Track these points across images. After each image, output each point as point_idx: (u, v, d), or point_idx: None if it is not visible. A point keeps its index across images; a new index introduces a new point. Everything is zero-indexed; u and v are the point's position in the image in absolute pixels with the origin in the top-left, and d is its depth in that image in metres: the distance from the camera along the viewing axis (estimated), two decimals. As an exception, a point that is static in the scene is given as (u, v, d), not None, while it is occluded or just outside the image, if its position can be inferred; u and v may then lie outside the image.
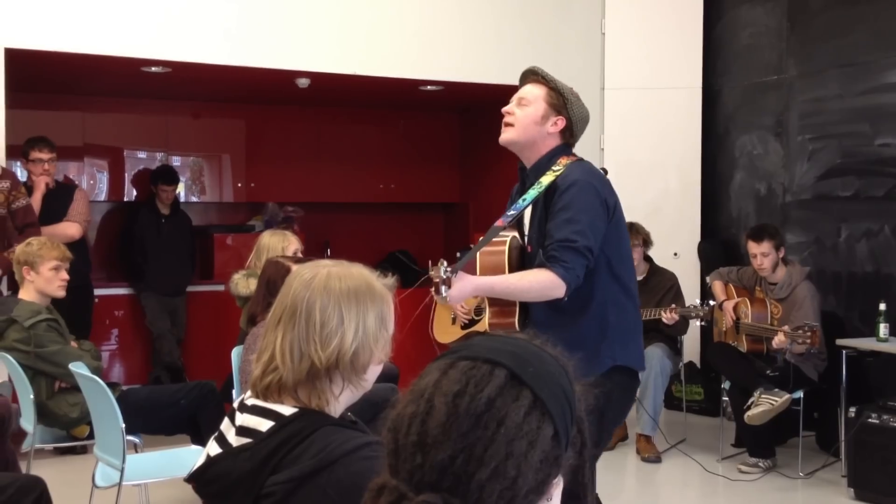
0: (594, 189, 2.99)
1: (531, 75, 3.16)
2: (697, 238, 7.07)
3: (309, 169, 8.17)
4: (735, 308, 5.61)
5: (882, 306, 5.19)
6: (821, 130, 6.33)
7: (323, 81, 6.51)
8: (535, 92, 3.09)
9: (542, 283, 2.91)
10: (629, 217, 6.32)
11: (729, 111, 7.10)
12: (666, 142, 7.04)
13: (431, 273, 2.86)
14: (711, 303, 5.65)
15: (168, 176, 7.16)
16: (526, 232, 3.19)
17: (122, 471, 3.60)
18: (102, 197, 7.68)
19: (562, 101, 3.07)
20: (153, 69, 6.09)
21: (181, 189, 7.65)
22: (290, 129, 8.10)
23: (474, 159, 8.40)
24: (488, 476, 1.00)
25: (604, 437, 3.17)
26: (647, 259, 6.02)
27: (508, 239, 3.15)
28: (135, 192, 7.74)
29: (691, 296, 6.48)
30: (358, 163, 8.31)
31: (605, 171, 4.19)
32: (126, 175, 7.75)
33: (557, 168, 3.03)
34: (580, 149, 7.02)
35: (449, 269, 2.83)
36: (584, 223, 2.93)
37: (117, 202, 7.77)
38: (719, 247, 7.02)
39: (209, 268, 7.48)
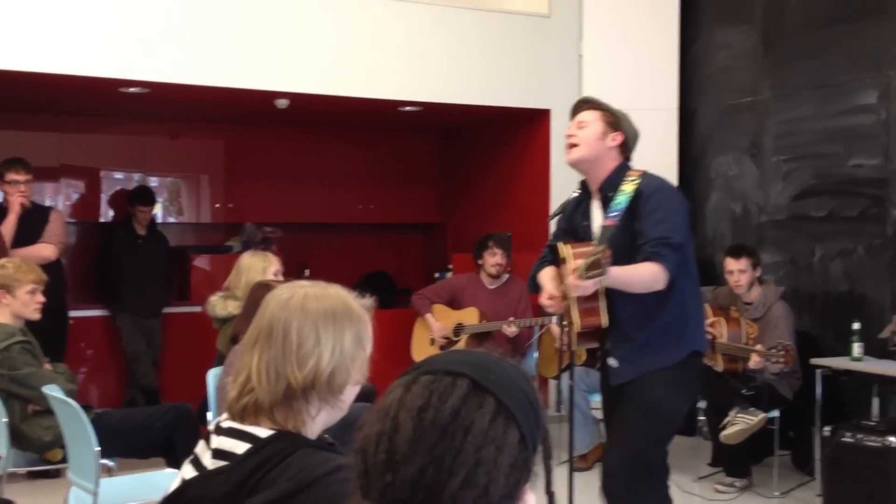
0: (676, 193, 3.53)
1: (584, 104, 3.55)
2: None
3: (287, 189, 8.16)
4: (711, 327, 5.64)
5: (856, 325, 5.23)
6: (795, 151, 6.40)
7: (302, 102, 6.52)
8: (591, 115, 3.48)
9: (652, 273, 3.28)
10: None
11: (705, 132, 7.16)
12: (643, 162, 6.99)
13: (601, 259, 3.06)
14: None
15: (145, 197, 7.12)
16: (594, 237, 3.45)
17: (95, 495, 3.56)
18: (79, 218, 7.64)
19: (616, 120, 3.47)
20: (131, 90, 6.08)
21: (158, 210, 7.62)
22: (269, 149, 8.09)
23: (453, 180, 8.43)
24: (460, 485, 1.00)
25: (676, 416, 3.52)
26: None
27: (599, 248, 3.35)
28: (111, 213, 7.70)
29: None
30: (337, 183, 8.31)
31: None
32: (102, 196, 7.71)
33: (634, 178, 3.42)
34: (559, 171, 7.06)
35: (603, 266, 3.10)
36: (674, 221, 3.36)
37: (93, 223, 7.73)
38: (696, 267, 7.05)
39: (186, 289, 7.44)
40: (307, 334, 1.64)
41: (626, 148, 3.51)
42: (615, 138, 3.46)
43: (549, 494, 1.17)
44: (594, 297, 3.39)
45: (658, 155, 7.12)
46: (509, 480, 1.03)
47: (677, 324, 3.42)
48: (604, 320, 3.43)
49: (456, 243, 8.12)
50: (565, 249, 3.47)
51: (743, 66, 6.82)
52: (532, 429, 1.07)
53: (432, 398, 1.04)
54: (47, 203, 6.93)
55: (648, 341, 3.42)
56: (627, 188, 3.38)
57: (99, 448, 3.55)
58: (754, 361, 5.16)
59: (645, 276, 3.30)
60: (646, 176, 3.45)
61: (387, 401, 1.07)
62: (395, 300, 8.03)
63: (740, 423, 5.12)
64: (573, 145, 3.46)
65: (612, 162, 3.47)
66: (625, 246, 3.32)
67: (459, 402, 1.04)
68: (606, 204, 3.44)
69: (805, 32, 6.34)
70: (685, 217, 3.44)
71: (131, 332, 6.86)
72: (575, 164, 3.51)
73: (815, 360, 5.34)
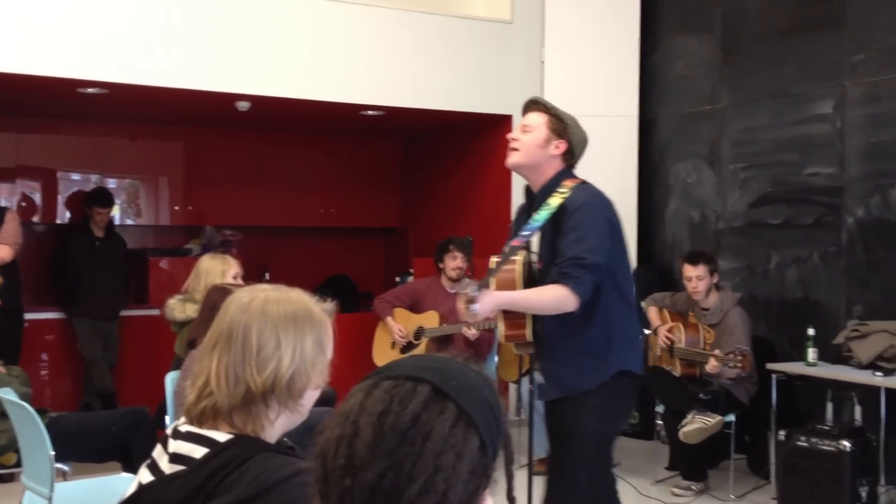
0: (600, 210, 3.30)
1: (533, 105, 3.43)
2: (633, 264, 7.15)
3: (248, 192, 8.11)
4: (669, 332, 5.70)
5: (811, 331, 5.31)
6: (752, 159, 6.49)
7: (263, 105, 6.49)
8: (538, 119, 3.36)
9: (556, 297, 3.17)
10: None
11: (664, 140, 7.24)
12: (603, 169, 7.10)
13: (461, 293, 3.19)
14: (646, 331, 5.73)
15: (103, 198, 7.04)
16: (534, 250, 3.44)
17: (50, 499, 3.52)
18: (35, 219, 7.53)
19: (562, 126, 3.35)
20: (89, 90, 6.01)
21: (116, 211, 7.54)
22: (230, 151, 8.05)
23: (415, 184, 8.43)
24: (418, 492, 1.00)
25: (608, 437, 3.42)
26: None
27: (520, 257, 3.39)
28: (68, 215, 7.60)
29: (627, 321, 6.56)
30: (298, 187, 8.28)
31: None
32: (60, 197, 7.61)
33: (564, 190, 3.29)
34: (521, 177, 7.08)
35: (476, 286, 3.17)
36: (592, 241, 3.21)
37: (50, 224, 7.63)
38: (654, 272, 7.13)
39: (144, 292, 7.37)
40: (267, 338, 1.64)
41: (571, 155, 3.39)
42: (558, 146, 3.34)
43: (511, 500, 1.17)
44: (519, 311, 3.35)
45: (618, 162, 7.19)
46: (468, 487, 1.03)
47: (600, 344, 3.29)
48: (527, 333, 3.35)
49: (417, 248, 8.13)
50: (492, 262, 3.40)
51: (702, 74, 6.91)
52: (493, 436, 1.07)
53: (393, 403, 1.04)
54: (3, 204, 6.83)
55: (569, 360, 3.32)
56: (553, 202, 3.27)
57: (54, 452, 3.51)
58: (712, 366, 5.22)
59: (547, 300, 3.21)
60: (577, 189, 3.31)
61: (347, 405, 1.07)
62: (356, 304, 8.02)
63: (698, 423, 5.18)
64: (514, 150, 3.38)
65: (552, 170, 3.36)
66: (553, 262, 3.27)
67: (420, 408, 1.03)
68: (530, 212, 3.39)
69: (763, 42, 6.44)
70: (605, 236, 3.27)
71: (88, 335, 6.78)
72: (513, 170, 3.46)
73: (770, 366, 5.41)
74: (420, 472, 1.01)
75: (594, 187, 3.37)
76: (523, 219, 3.46)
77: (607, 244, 3.26)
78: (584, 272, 3.16)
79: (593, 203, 3.29)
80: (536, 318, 3.35)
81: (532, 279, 3.39)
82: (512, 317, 3.36)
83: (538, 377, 5.41)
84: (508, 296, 3.27)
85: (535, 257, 3.47)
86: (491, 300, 3.18)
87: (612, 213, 3.34)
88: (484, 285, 3.21)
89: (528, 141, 3.34)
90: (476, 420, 1.05)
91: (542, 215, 3.28)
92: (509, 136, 3.41)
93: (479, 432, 1.05)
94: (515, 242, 3.31)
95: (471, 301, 3.13)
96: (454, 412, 1.04)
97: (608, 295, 3.28)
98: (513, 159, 3.37)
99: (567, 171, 3.38)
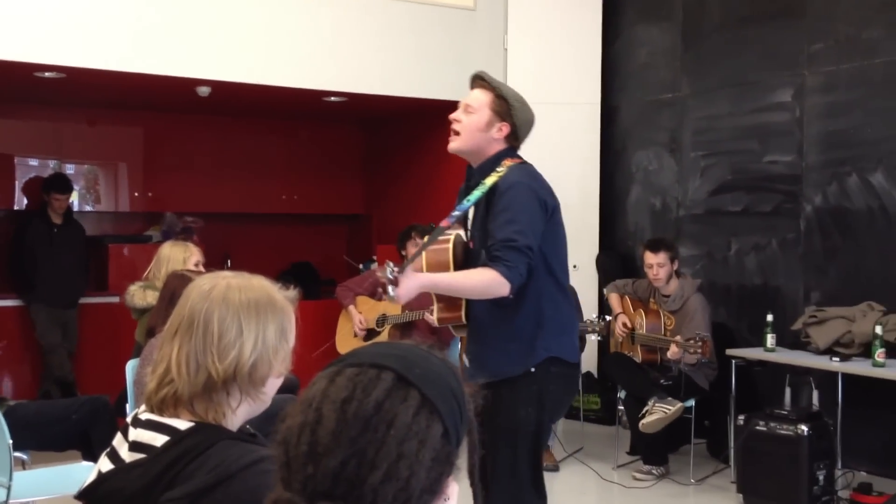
0: (532, 190, 3.14)
1: (478, 80, 3.29)
2: (596, 251, 7.22)
3: (209, 179, 8.04)
4: (630, 319, 5.75)
5: (769, 317, 5.39)
6: (712, 147, 6.55)
7: (224, 90, 6.43)
8: (481, 99, 3.22)
9: (485, 281, 3.03)
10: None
11: (626, 127, 7.28)
12: (566, 156, 7.18)
13: (379, 274, 2.98)
14: (608, 318, 5.77)
15: (61, 184, 6.94)
16: (469, 229, 3.32)
17: (8, 488, 3.48)
18: (-9, 205, 7.43)
19: (506, 108, 3.19)
20: (46, 74, 5.91)
21: (75, 198, 7.44)
22: (190, 137, 7.97)
23: (378, 171, 8.41)
24: (381, 479, 1.00)
25: (544, 426, 3.27)
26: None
27: (453, 236, 3.28)
28: (25, 201, 7.49)
29: (590, 305, 6.61)
30: (260, 173, 8.23)
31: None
32: (17, 183, 7.50)
33: (501, 170, 3.16)
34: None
35: (396, 268, 2.96)
36: (523, 223, 3.07)
37: (7, 211, 7.52)
38: (617, 259, 7.18)
39: (103, 279, 7.29)
40: (229, 325, 1.62)
41: (514, 137, 3.25)
42: (501, 129, 3.20)
43: (474, 487, 1.18)
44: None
45: (581, 149, 7.23)
46: (431, 474, 1.03)
47: (528, 329, 3.15)
48: (463, 316, 3.24)
49: (381, 235, 8.11)
50: (426, 248, 3.27)
51: (663, 63, 6.95)
52: (456, 423, 1.07)
53: (356, 391, 1.04)
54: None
55: (497, 344, 3.19)
56: (488, 181, 3.15)
57: (11, 441, 3.46)
58: (672, 352, 5.28)
59: (475, 284, 3.07)
60: (513, 169, 3.18)
61: (310, 392, 1.07)
62: (319, 291, 7.99)
63: (658, 413, 5.23)
64: (455, 132, 3.24)
65: (492, 151, 3.23)
66: (484, 243, 3.16)
67: (383, 396, 1.03)
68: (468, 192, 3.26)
69: (723, 31, 6.49)
70: (539, 218, 3.13)
71: (46, 322, 6.70)
72: (454, 153, 3.30)
73: (730, 351, 5.48)
74: (383, 460, 1.01)
75: (532, 168, 3.26)
76: (462, 200, 3.33)
77: (540, 227, 3.13)
78: (517, 255, 3.04)
79: (526, 184, 3.15)
80: (471, 300, 3.22)
81: (467, 261, 3.27)
82: (447, 298, 3.24)
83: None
84: (431, 278, 3.10)
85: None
86: (413, 282, 3.00)
87: (546, 195, 3.20)
88: (404, 268, 3.02)
89: (469, 123, 3.21)
90: (439, 407, 1.05)
91: (474, 195, 3.17)
92: (451, 116, 3.26)
93: (443, 419, 1.05)
94: (444, 223, 3.18)
95: (391, 283, 2.94)
96: (417, 399, 1.04)
97: (540, 279, 3.17)
98: (453, 144, 3.25)
99: (509, 151, 3.25)
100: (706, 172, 6.59)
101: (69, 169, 7.62)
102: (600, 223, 7.25)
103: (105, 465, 1.64)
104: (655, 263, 5.62)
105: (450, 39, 6.93)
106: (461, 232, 3.34)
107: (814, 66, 5.89)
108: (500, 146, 3.22)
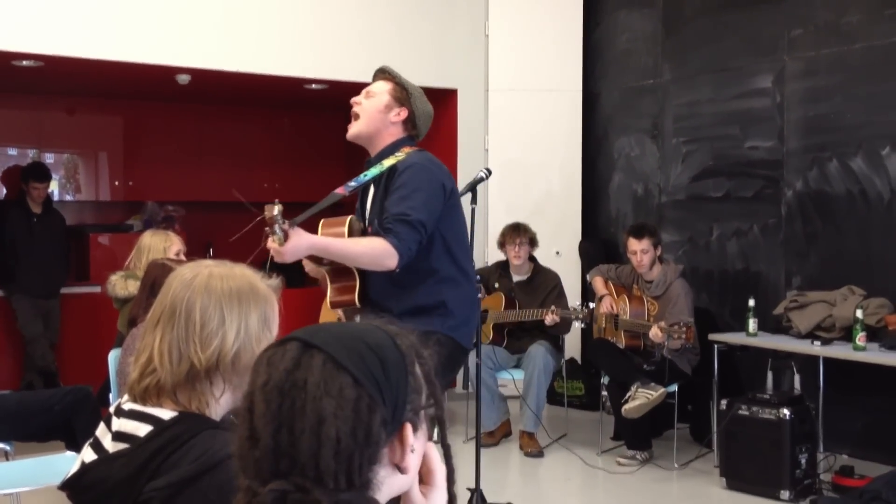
0: (431, 171, 3.21)
1: (379, 73, 3.42)
2: (578, 237, 7.23)
3: (190, 167, 8.00)
4: (614, 304, 5.77)
5: (751, 302, 5.41)
6: (694, 133, 6.57)
7: (204, 78, 6.39)
8: (382, 86, 3.35)
9: (375, 249, 3.06)
10: (513, 216, 6.45)
11: (608, 114, 7.29)
12: (548, 143, 7.18)
13: (267, 214, 2.95)
14: (591, 304, 5.78)
15: (39, 172, 6.89)
16: (367, 215, 3.34)
17: (-9, 480, 3.46)
18: (-31, 195, 7.36)
19: (405, 95, 3.32)
20: (24, 63, 5.86)
21: (55, 187, 7.39)
22: (171, 126, 7.92)
23: (360, 159, 8.36)
24: (312, 443, 1.05)
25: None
26: (532, 259, 6.13)
27: (349, 219, 3.30)
28: (4, 191, 7.43)
29: (573, 292, 6.63)
30: (241, 161, 8.19)
31: (490, 172, 4.25)
32: (-5, 173, 7.44)
33: (400, 155, 3.24)
34: (466, 151, 7.07)
35: (286, 222, 2.95)
36: (418, 200, 3.11)
37: (-15, 201, 7.45)
38: (599, 245, 7.20)
39: (84, 269, 7.25)
40: (211, 314, 1.62)
41: (412, 126, 3.33)
42: (399, 114, 3.29)
43: (446, 447, 1.20)
44: (350, 274, 3.23)
45: (563, 136, 7.23)
46: (360, 428, 1.06)
47: (428, 309, 3.19)
48: (356, 298, 3.22)
49: (363, 222, 8.09)
50: (315, 211, 3.26)
51: (644, 49, 6.96)
52: (369, 372, 1.09)
53: (270, 368, 1.10)
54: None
55: (398, 321, 3.13)
56: (387, 163, 3.22)
57: (-6, 433, 3.44)
58: (654, 332, 5.28)
59: (365, 250, 3.08)
60: (412, 154, 3.25)
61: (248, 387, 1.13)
62: (302, 279, 7.96)
63: (641, 398, 5.25)
64: (355, 116, 3.32)
65: (390, 137, 3.30)
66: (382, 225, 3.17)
67: (291, 364, 1.09)
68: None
69: (704, 17, 6.50)
70: (436, 197, 3.16)
71: (27, 313, 6.66)
72: (354, 140, 3.36)
73: (712, 336, 5.51)
74: (307, 424, 1.05)
75: (432, 155, 3.31)
76: (363, 198, 3.40)
77: (437, 206, 3.16)
78: (409, 229, 3.06)
79: (425, 165, 3.21)
80: (365, 283, 3.22)
81: None
82: (340, 281, 3.25)
83: (485, 351, 5.37)
84: (322, 240, 3.10)
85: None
86: (302, 241, 2.99)
87: (445, 177, 3.25)
88: (293, 223, 2.99)
89: (369, 106, 3.30)
90: (342, 360, 1.09)
91: (372, 171, 3.22)
92: (352, 100, 3.35)
93: (349, 370, 1.08)
94: (339, 190, 3.20)
95: (280, 229, 2.91)
96: (321, 359, 1.09)
97: (440, 261, 3.21)
98: (352, 130, 3.33)
99: (407, 140, 3.33)
100: (688, 158, 6.61)
101: (49, 158, 7.57)
102: (582, 210, 7.26)
103: (89, 455, 1.63)
104: (639, 250, 5.63)
105: (430, 26, 6.91)
106: (355, 217, 3.35)
107: (794, 51, 5.91)
108: (399, 133, 3.31)
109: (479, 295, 5.63)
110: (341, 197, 3.23)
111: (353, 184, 3.24)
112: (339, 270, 3.24)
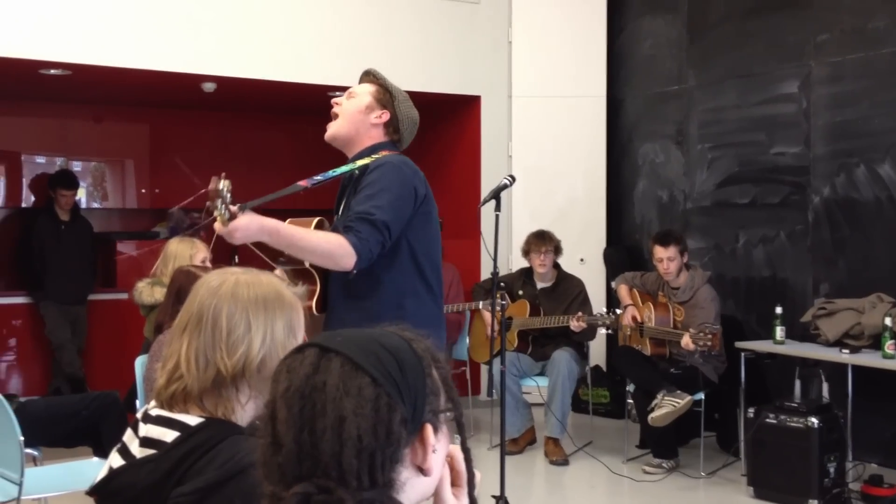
0: (403, 172, 2.99)
1: (364, 76, 3.26)
2: (603, 244, 7.21)
3: (215, 174, 8.03)
4: (639, 312, 5.73)
5: (778, 310, 5.37)
6: (719, 139, 6.53)
7: (229, 86, 6.43)
8: (365, 87, 3.19)
9: (331, 244, 2.84)
10: (537, 223, 6.44)
11: (632, 120, 7.26)
12: (572, 150, 7.17)
13: (212, 186, 2.79)
14: (618, 311, 5.76)
15: (67, 180, 6.96)
16: (338, 217, 3.18)
17: (20, 485, 3.49)
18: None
19: (388, 98, 3.13)
20: (52, 71, 5.92)
21: (82, 195, 7.45)
22: (196, 133, 7.97)
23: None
24: (335, 444, 1.06)
25: None
26: (556, 266, 6.11)
27: (315, 220, 3.15)
28: (33, 198, 7.51)
29: (597, 299, 6.60)
30: (266, 168, 8.22)
31: (513, 179, 4.24)
32: (24, 180, 7.51)
33: (376, 156, 3.06)
34: (490, 158, 7.05)
35: (233, 200, 2.79)
36: (384, 199, 2.90)
37: (15, 208, 7.52)
38: (624, 252, 7.17)
39: (111, 276, 7.30)
40: (238, 321, 1.62)
41: (394, 130, 3.13)
42: (381, 116, 3.10)
43: (465, 451, 1.20)
44: (310, 278, 3.04)
45: (587, 142, 7.22)
46: (379, 427, 1.08)
47: (387, 320, 2.93)
48: (313, 306, 3.01)
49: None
50: (273, 198, 3.12)
51: (669, 55, 6.93)
52: (387, 372, 1.11)
53: (291, 375, 1.12)
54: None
55: None
56: (361, 162, 3.06)
57: (23, 438, 3.47)
58: (685, 343, 5.24)
59: (320, 243, 2.85)
60: (388, 156, 3.05)
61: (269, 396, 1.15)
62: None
63: (667, 406, 5.22)
64: (335, 117, 3.17)
65: (369, 140, 3.12)
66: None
67: (310, 369, 1.11)
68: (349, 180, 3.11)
69: (728, 22, 6.47)
70: (405, 201, 2.94)
71: (55, 319, 6.72)
72: (331, 141, 3.19)
73: (739, 344, 5.47)
74: (328, 424, 1.06)
75: (409, 159, 3.09)
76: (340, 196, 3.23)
77: (405, 210, 2.93)
78: (371, 229, 2.84)
79: (398, 165, 2.99)
80: (326, 289, 3.02)
81: None
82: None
83: (509, 358, 5.32)
84: (274, 223, 2.88)
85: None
86: (254, 223, 2.83)
87: (418, 182, 3.01)
88: (247, 207, 2.85)
89: (349, 105, 3.14)
90: (360, 361, 1.10)
91: (342, 168, 3.07)
92: (333, 101, 3.19)
93: (367, 370, 1.10)
94: (302, 182, 3.06)
95: (225, 205, 2.75)
96: (339, 361, 1.11)
97: (404, 272, 2.98)
98: (330, 130, 3.16)
99: (389, 144, 3.13)
100: (713, 164, 6.57)
101: (76, 166, 7.64)
102: (607, 216, 7.24)
103: (116, 460, 1.64)
104: (666, 257, 5.59)
105: (453, 33, 6.92)
106: (324, 219, 3.19)
107: (820, 56, 5.86)
108: (380, 136, 3.12)
109: (504, 302, 5.66)
110: (302, 189, 3.08)
111: (319, 178, 3.06)
112: (300, 273, 3.07)
